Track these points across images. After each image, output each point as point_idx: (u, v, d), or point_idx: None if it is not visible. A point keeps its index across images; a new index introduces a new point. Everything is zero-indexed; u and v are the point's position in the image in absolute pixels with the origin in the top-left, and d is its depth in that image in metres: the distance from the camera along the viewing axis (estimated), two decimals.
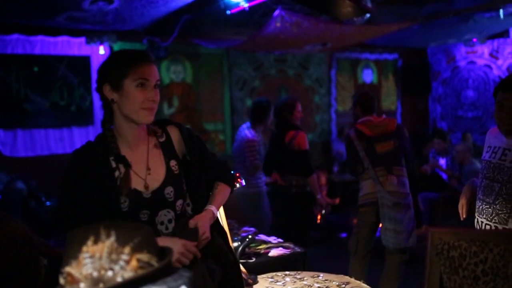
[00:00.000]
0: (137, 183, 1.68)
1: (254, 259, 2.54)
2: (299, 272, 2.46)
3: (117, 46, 6.53)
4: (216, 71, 7.72)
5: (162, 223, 1.70)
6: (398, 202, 3.51)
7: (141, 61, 1.65)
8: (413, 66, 9.40)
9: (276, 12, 4.96)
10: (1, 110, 5.99)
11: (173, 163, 1.76)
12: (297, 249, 2.69)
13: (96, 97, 6.61)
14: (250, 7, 5.10)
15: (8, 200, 5.30)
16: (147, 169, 1.71)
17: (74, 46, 6.34)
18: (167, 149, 1.77)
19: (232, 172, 1.96)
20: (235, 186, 2.08)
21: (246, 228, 3.08)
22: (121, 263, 0.94)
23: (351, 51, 8.66)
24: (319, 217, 4.07)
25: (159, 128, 1.79)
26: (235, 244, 2.50)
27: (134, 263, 0.95)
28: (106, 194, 1.64)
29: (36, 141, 6.32)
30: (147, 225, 1.04)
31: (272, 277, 2.39)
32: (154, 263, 0.98)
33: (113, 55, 1.72)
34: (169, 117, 7.25)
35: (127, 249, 0.95)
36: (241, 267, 2.37)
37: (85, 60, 6.46)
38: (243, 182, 2.38)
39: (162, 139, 1.78)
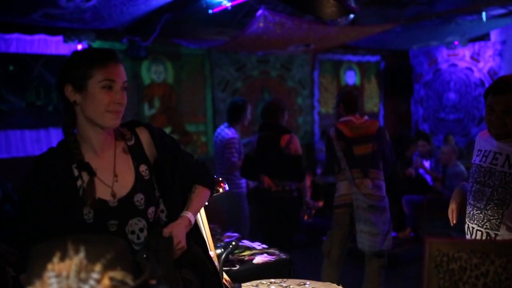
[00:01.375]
0: (103, 192, 1.56)
1: (238, 267, 2.45)
2: (284, 279, 2.38)
3: (96, 45, 6.36)
4: (198, 72, 7.60)
5: (133, 232, 1.59)
6: (373, 205, 3.51)
7: (107, 60, 1.53)
8: (396, 68, 9.42)
9: (259, 12, 4.88)
10: None
11: (143, 168, 1.64)
12: (282, 256, 2.61)
13: None
14: (232, 7, 5.01)
15: None
16: (114, 176, 1.59)
17: (51, 44, 6.16)
18: (136, 153, 1.65)
19: (210, 173, 1.85)
20: (216, 188, 1.97)
21: (229, 234, 2.99)
22: (92, 282, 0.84)
23: (334, 53, 8.63)
24: (305, 217, 4.02)
25: (127, 130, 1.67)
26: (218, 251, 2.40)
27: (106, 282, 0.85)
28: (67, 205, 1.52)
29: (11, 142, 6.13)
30: (121, 239, 0.94)
31: (256, 285, 2.30)
32: (129, 281, 0.88)
33: (76, 53, 1.59)
34: (150, 118, 7.15)
35: (98, 267, 0.85)
36: (224, 275, 2.28)
37: (62, 59, 6.22)
38: (226, 187, 2.28)
39: (131, 143, 1.66)
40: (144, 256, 1.51)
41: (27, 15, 4.34)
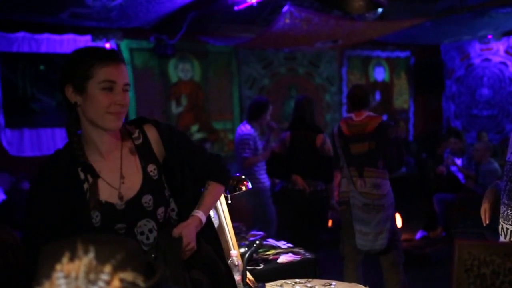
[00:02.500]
0: (109, 195, 1.52)
1: (262, 266, 2.41)
2: (309, 280, 2.32)
3: (123, 44, 6.44)
4: (225, 69, 7.59)
5: (142, 233, 1.55)
6: (368, 203, 3.45)
7: (107, 60, 1.46)
8: (426, 64, 9.19)
9: (285, 8, 4.82)
10: (8, 109, 5.92)
11: (151, 167, 1.59)
12: (308, 255, 2.55)
13: None
14: (258, 3, 4.96)
15: (13, 200, 5.22)
16: (120, 178, 1.54)
17: (80, 44, 6.23)
18: (144, 153, 1.60)
19: (225, 168, 1.77)
20: (228, 182, 1.88)
21: (254, 232, 2.95)
22: (101, 283, 0.81)
23: (362, 49, 8.49)
24: (330, 222, 3.93)
25: (135, 128, 1.62)
26: (242, 250, 2.36)
27: (116, 283, 0.82)
28: (74, 209, 1.48)
29: (42, 140, 6.24)
30: (132, 239, 0.91)
31: (281, 285, 2.25)
32: (140, 283, 0.85)
33: (76, 52, 1.53)
34: (177, 116, 7.19)
35: (108, 268, 0.82)
36: (248, 275, 2.24)
37: None
38: (249, 185, 2.24)
39: (139, 142, 1.61)
40: (153, 256, 1.48)
41: (55, 15, 4.40)
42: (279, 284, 2.29)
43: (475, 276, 1.08)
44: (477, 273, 1.08)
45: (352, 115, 3.59)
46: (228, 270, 1.74)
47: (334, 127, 3.77)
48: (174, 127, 1.72)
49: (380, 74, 8.95)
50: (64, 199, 1.48)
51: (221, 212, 2.24)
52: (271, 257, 2.48)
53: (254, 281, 2.20)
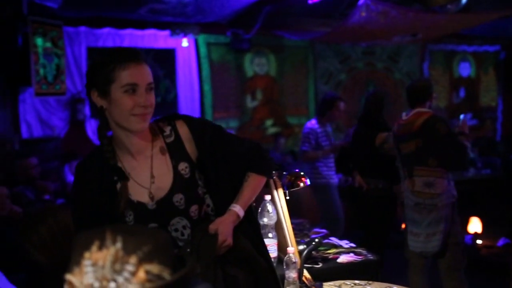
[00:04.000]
0: (140, 195, 1.53)
1: (320, 265, 2.35)
2: (370, 282, 2.24)
3: (201, 38, 6.60)
4: (301, 64, 7.55)
5: (176, 230, 1.56)
6: (420, 203, 3.28)
7: (127, 62, 1.45)
8: None
9: (361, 1, 4.69)
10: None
11: (182, 166, 1.57)
12: (370, 256, 2.45)
13: (180, 89, 6.72)
14: None
15: None
16: (151, 178, 1.55)
17: (160, 38, 6.46)
18: (175, 151, 1.59)
19: (265, 157, 1.71)
20: (270, 172, 1.81)
21: (317, 230, 2.89)
22: (126, 274, 0.82)
23: (446, 43, 8.08)
24: (403, 226, 3.74)
25: (168, 125, 1.61)
26: (301, 247, 2.32)
27: (141, 275, 0.83)
28: (109, 209, 1.51)
29: None
30: (164, 232, 0.91)
31: (339, 286, 2.19)
32: (166, 275, 0.84)
33: (98, 57, 1.54)
34: (252, 110, 7.25)
35: (133, 259, 0.82)
36: (305, 273, 2.20)
37: (170, 53, 6.57)
38: (308, 181, 2.19)
39: (170, 139, 1.59)
40: (188, 250, 1.49)
41: (134, 11, 4.58)
42: (337, 284, 2.23)
43: None
44: None
45: (405, 113, 3.47)
46: (269, 265, 1.71)
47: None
48: (209, 122, 1.69)
49: (465, 69, 8.48)
50: (100, 199, 1.51)
51: (280, 207, 2.22)
52: (331, 256, 2.42)
53: (311, 280, 2.15)
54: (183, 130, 1.61)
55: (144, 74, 1.47)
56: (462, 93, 8.35)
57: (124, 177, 1.52)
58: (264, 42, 7.09)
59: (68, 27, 5.78)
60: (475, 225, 4.41)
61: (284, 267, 2.02)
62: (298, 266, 2.14)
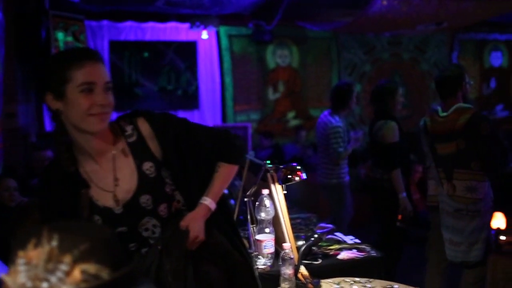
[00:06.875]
0: (106, 199, 1.49)
1: (320, 261, 2.29)
2: (370, 280, 2.17)
3: (222, 30, 6.57)
4: (324, 55, 7.43)
5: (146, 229, 1.52)
6: (461, 208, 2.98)
7: (82, 61, 1.38)
8: None
9: None
10: (114, 94, 6.33)
11: (147, 165, 1.52)
12: (373, 253, 2.38)
13: (201, 81, 6.72)
14: None
15: None
16: (114, 181, 1.50)
17: (181, 31, 6.48)
18: (138, 151, 1.53)
19: (236, 145, 1.65)
20: (240, 160, 1.74)
21: (322, 225, 2.82)
22: (59, 274, 0.79)
23: (476, 31, 7.80)
24: (399, 217, 3.58)
25: (129, 123, 1.55)
26: (300, 242, 2.28)
27: (76, 274, 0.80)
28: (76, 215, 1.47)
29: None
30: (107, 228, 0.88)
31: (338, 283, 2.13)
32: (104, 275, 0.82)
33: (52, 57, 1.50)
34: (274, 102, 7.19)
35: (67, 258, 0.80)
36: (302, 269, 2.16)
37: (191, 45, 6.58)
38: (304, 176, 2.13)
39: (132, 139, 1.53)
40: (159, 248, 1.46)
41: (151, 4, 4.58)
42: (336, 282, 2.17)
43: None
44: None
45: (438, 107, 3.17)
46: (244, 260, 1.66)
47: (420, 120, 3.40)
48: (171, 116, 1.62)
49: (497, 59, 8.18)
50: (64, 208, 1.48)
51: (277, 202, 2.17)
52: (331, 253, 2.35)
53: (309, 276, 2.10)
54: (145, 127, 1.54)
55: (101, 72, 1.42)
56: (493, 83, 8.06)
57: (84, 185, 1.48)
58: (286, 33, 7.01)
59: (90, 21, 5.85)
60: (498, 221, 4.22)
61: (280, 263, 1.98)
62: (296, 262, 2.10)
